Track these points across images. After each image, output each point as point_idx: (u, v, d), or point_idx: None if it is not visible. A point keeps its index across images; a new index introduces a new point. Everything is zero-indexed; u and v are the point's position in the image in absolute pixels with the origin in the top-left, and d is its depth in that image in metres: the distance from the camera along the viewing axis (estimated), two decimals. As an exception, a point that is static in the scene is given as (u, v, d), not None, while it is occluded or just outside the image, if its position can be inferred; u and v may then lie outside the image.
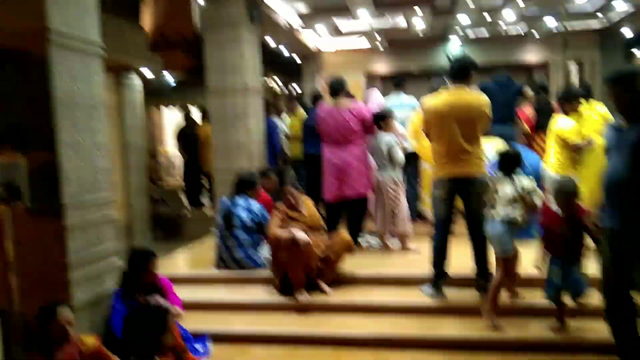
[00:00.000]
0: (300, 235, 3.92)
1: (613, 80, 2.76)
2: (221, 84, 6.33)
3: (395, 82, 6.25)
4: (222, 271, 4.53)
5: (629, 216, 2.68)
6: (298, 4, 8.10)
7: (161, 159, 12.41)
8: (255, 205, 4.54)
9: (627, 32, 10.39)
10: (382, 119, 4.91)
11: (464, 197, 3.84)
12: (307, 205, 4.38)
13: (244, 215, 4.44)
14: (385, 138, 4.83)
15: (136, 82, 8.48)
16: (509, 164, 3.59)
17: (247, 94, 6.29)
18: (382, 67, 11.49)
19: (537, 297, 3.63)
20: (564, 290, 3.29)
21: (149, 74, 8.81)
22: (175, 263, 5.18)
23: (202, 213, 8.45)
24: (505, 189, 3.49)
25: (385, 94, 6.91)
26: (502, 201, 3.47)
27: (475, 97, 3.85)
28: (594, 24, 10.06)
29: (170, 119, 12.92)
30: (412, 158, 5.49)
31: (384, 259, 4.75)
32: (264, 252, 4.48)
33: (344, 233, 4.34)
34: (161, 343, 2.74)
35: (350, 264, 4.36)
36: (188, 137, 8.74)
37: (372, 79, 11.53)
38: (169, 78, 11.01)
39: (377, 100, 5.89)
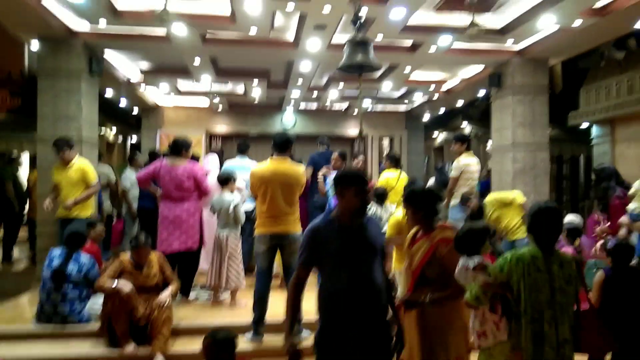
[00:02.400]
0: (122, 284, 4.06)
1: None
2: (53, 133, 6.22)
3: (240, 148, 6.69)
4: (44, 325, 4.40)
5: None
6: (141, 62, 8.35)
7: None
8: (85, 257, 4.52)
9: (426, 116, 12.64)
10: (226, 181, 5.34)
11: (282, 251, 4.43)
12: (152, 263, 4.41)
13: (74, 269, 4.40)
14: (230, 197, 5.22)
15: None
16: None
17: (81, 144, 6.28)
18: (222, 127, 12.06)
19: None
20: None
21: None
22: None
23: (12, 267, 7.85)
24: None
25: (228, 153, 7.43)
26: None
27: (294, 167, 4.55)
28: (401, 107, 12.02)
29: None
30: (250, 216, 5.82)
31: (213, 311, 5.05)
32: (96, 305, 4.46)
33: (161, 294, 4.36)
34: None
35: (179, 316, 4.60)
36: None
37: (213, 138, 12.02)
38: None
39: (213, 164, 6.32)
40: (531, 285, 2.72)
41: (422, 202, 3.11)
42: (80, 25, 6.17)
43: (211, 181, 5.70)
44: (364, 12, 5.56)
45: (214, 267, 5.18)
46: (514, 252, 2.87)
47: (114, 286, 4.03)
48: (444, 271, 2.97)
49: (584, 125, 10.12)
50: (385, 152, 12.42)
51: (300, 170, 4.57)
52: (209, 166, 6.29)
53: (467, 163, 6.32)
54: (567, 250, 4.96)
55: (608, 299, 3.58)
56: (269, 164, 4.48)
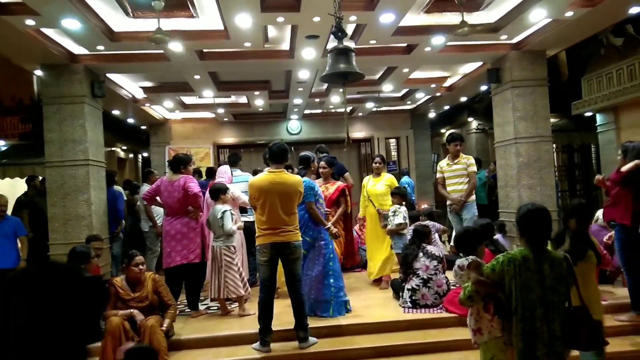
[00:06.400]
0: (136, 313, 4.21)
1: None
2: (60, 157, 6.42)
3: (230, 160, 6.82)
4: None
5: None
6: (142, 82, 8.53)
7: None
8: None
9: (431, 114, 12.63)
10: (219, 193, 5.46)
11: (283, 259, 4.51)
12: (145, 283, 4.47)
13: None
14: (219, 208, 5.33)
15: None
16: None
17: (88, 167, 6.45)
18: (229, 138, 12.21)
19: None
20: None
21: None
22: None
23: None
24: None
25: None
26: None
27: (292, 177, 4.63)
28: (406, 106, 12.03)
29: (4, 190, 11.99)
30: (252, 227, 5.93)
31: (221, 323, 5.12)
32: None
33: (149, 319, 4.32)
34: None
35: (188, 330, 4.72)
36: (29, 209, 7.96)
37: (221, 149, 12.17)
38: (2, 147, 10.42)
39: (226, 174, 6.32)
40: (522, 285, 2.78)
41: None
42: (80, 49, 6.35)
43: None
44: (353, 18, 5.68)
45: (212, 279, 5.28)
46: (506, 253, 2.95)
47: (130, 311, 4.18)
48: None
49: (588, 114, 10.03)
50: (393, 153, 12.50)
51: (298, 180, 4.64)
52: (223, 177, 6.26)
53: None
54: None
55: None
56: (266, 175, 4.55)
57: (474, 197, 6.48)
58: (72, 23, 5.29)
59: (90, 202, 6.43)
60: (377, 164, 6.56)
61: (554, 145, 9.66)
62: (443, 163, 6.68)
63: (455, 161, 6.49)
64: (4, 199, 5.82)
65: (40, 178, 8.33)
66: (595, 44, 9.24)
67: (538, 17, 5.92)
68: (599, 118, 9.72)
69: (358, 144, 12.60)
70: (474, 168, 6.44)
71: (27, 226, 7.21)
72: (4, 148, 10.42)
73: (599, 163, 10.23)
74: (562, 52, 9.33)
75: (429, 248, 5.30)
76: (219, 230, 5.28)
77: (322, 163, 6.29)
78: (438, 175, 6.74)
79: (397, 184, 6.54)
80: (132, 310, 4.26)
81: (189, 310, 5.39)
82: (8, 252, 5.63)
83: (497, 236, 6.03)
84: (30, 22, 5.18)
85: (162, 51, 6.40)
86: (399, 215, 5.84)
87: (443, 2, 5.76)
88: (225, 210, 5.28)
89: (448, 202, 6.58)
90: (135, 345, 3.22)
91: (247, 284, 5.39)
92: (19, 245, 5.75)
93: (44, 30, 5.64)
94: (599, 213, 5.86)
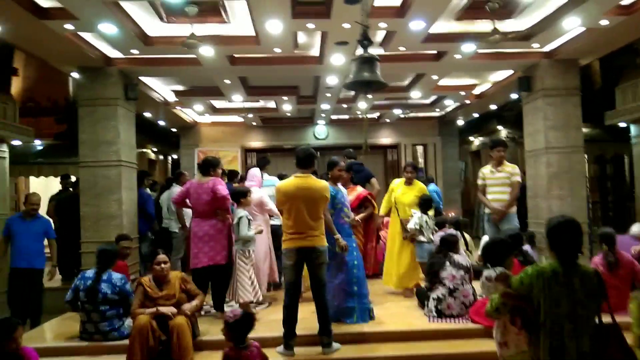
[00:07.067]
0: (164, 309, 4.25)
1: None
2: (93, 158, 6.59)
3: (259, 164, 6.84)
4: (88, 343, 4.66)
5: None
6: (174, 85, 8.70)
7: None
8: (117, 277, 4.70)
9: (460, 121, 12.51)
10: (240, 196, 5.45)
11: (309, 264, 4.52)
12: (172, 282, 4.50)
13: (107, 289, 4.58)
14: (237, 213, 5.31)
15: (3, 151, 8.26)
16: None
17: (120, 168, 6.61)
18: (257, 142, 12.34)
19: None
20: None
21: (17, 143, 8.63)
22: (40, 335, 5.17)
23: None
24: None
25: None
26: None
27: (318, 182, 4.64)
28: (434, 113, 11.95)
29: (37, 189, 12.34)
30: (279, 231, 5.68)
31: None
32: (130, 322, 4.66)
33: (178, 318, 4.34)
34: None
35: (213, 331, 4.76)
36: (65, 206, 7.92)
37: (248, 152, 12.31)
38: (38, 146, 10.75)
39: (257, 177, 6.26)
40: (551, 298, 2.71)
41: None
42: (115, 53, 6.52)
43: (255, 196, 5.79)
44: (382, 25, 5.69)
45: (231, 282, 5.28)
46: (535, 265, 2.88)
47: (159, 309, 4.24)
48: None
49: (622, 124, 9.78)
50: (420, 160, 12.40)
51: (325, 185, 4.65)
52: (253, 181, 6.23)
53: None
54: None
55: None
56: (293, 180, 4.56)
57: (515, 208, 6.09)
58: (108, 27, 5.45)
59: (121, 202, 6.58)
60: (409, 173, 6.17)
61: (586, 156, 9.45)
62: (486, 170, 6.21)
63: (499, 169, 6.05)
64: (36, 197, 5.80)
65: (74, 178, 8.54)
66: (630, 53, 9.02)
67: (571, 26, 5.82)
68: (633, 129, 9.47)
69: (384, 150, 12.56)
70: (518, 178, 6.02)
71: (57, 224, 7.48)
72: (39, 147, 10.75)
73: (632, 175, 9.97)
74: (595, 61, 9.14)
75: (456, 257, 5.24)
76: (237, 234, 5.29)
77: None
78: (479, 182, 6.26)
79: (427, 193, 6.28)
80: (157, 307, 4.31)
81: (215, 311, 5.45)
82: (36, 253, 5.66)
83: (526, 247, 5.92)
84: (69, 26, 5.36)
85: (194, 56, 6.53)
86: (412, 220, 5.80)
87: (474, 10, 5.72)
88: (241, 216, 5.27)
89: (487, 211, 6.22)
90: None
91: (259, 291, 5.31)
92: (47, 249, 5.75)
93: (81, 34, 5.82)
94: (635, 227, 5.67)
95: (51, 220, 6.41)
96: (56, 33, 5.46)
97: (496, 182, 6.05)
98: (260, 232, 5.64)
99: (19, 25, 5.25)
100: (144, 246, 7.34)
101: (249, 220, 5.30)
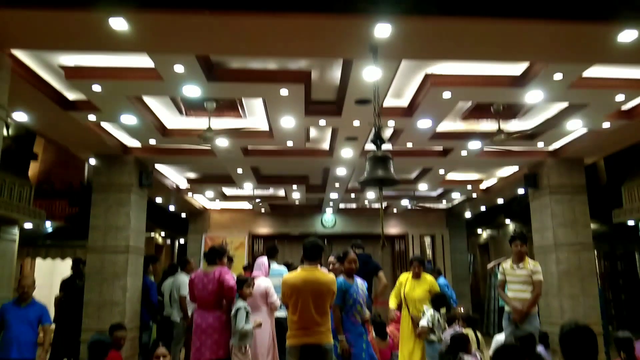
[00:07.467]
0: None
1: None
2: (102, 242, 6.63)
3: (268, 253, 6.70)
4: None
5: None
6: (188, 173, 8.93)
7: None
8: None
9: (468, 214, 12.55)
10: (238, 286, 5.26)
11: (313, 363, 4.35)
12: None
13: None
14: (236, 304, 5.15)
15: (14, 233, 8.34)
16: None
17: (128, 254, 6.62)
18: (264, 228, 12.38)
19: None
20: None
21: (28, 225, 8.72)
22: None
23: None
24: None
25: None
26: None
27: (325, 275, 4.58)
28: (441, 205, 12.03)
29: (43, 271, 12.27)
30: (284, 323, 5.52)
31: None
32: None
33: None
34: None
35: None
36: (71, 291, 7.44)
37: (256, 238, 12.32)
38: (48, 228, 10.84)
39: (263, 266, 6.19)
40: None
41: None
42: (132, 142, 6.77)
43: (260, 286, 5.70)
44: (391, 123, 5.91)
45: None
46: None
47: None
48: None
49: (630, 222, 9.75)
50: (428, 251, 12.32)
51: (332, 279, 4.60)
52: (261, 270, 6.13)
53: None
54: None
55: None
56: (300, 272, 4.50)
57: (536, 308, 5.73)
58: (129, 119, 5.71)
59: (125, 288, 6.52)
60: (416, 268, 6.03)
61: (595, 252, 9.33)
62: (506, 265, 5.86)
63: (520, 265, 5.69)
64: (29, 279, 5.46)
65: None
66: (635, 151, 9.20)
67: (574, 127, 6.02)
68: (642, 227, 9.44)
69: (392, 240, 12.52)
70: (540, 277, 5.60)
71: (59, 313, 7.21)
72: (49, 229, 10.83)
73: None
74: (599, 159, 9.31)
75: (467, 358, 5.04)
76: (233, 327, 5.10)
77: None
78: (499, 277, 5.93)
79: (437, 289, 6.13)
80: None
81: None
82: (28, 343, 5.28)
83: (540, 348, 5.68)
84: (92, 117, 5.62)
85: (209, 146, 6.76)
86: (424, 317, 5.64)
87: (479, 111, 5.95)
88: (239, 308, 5.12)
89: (507, 309, 5.82)
90: None
91: None
92: (41, 334, 5.39)
93: (102, 123, 6.08)
94: None
95: (49, 308, 6.12)
96: (79, 123, 5.71)
97: (517, 279, 5.70)
98: (260, 325, 5.44)
99: (45, 115, 5.50)
100: (145, 335, 7.15)
101: (247, 312, 5.13)
